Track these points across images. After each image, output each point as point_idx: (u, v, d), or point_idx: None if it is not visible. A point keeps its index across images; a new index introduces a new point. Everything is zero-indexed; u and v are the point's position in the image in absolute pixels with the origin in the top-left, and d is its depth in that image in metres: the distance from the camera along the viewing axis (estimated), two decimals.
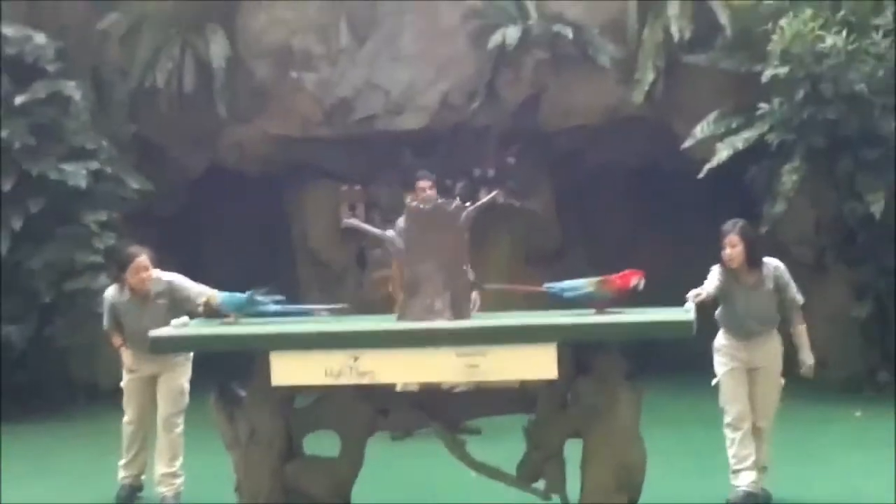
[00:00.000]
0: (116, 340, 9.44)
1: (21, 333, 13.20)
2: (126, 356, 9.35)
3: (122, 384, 9.61)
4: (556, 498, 7.81)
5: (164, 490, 9.26)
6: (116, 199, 13.85)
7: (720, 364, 8.62)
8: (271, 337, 7.72)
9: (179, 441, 9.34)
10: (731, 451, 8.59)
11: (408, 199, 8.25)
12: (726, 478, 8.73)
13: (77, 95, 13.57)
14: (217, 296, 8.17)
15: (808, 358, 8.58)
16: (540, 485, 7.85)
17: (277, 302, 8.14)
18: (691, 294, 8.11)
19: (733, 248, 8.50)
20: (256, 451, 7.91)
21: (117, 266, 9.43)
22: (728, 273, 8.55)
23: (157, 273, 9.32)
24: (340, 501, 8.31)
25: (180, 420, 9.34)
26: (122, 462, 9.63)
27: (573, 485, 7.75)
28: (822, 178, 12.58)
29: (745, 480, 8.49)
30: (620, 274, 7.81)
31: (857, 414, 11.72)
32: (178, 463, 9.31)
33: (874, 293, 12.68)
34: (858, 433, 11.01)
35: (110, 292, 9.49)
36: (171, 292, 9.26)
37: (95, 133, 13.81)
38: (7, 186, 13.06)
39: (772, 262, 8.60)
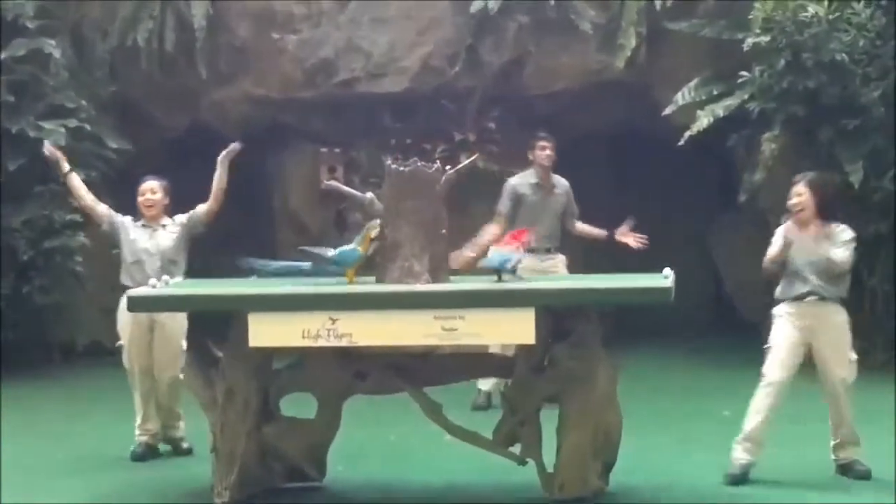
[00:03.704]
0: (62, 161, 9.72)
1: None
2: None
3: (123, 338, 9.41)
4: (531, 462, 7.84)
5: (174, 434, 9.51)
6: (95, 158, 13.81)
7: (779, 330, 8.41)
8: (249, 298, 7.72)
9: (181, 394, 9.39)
10: (749, 421, 8.36)
11: (387, 162, 8.24)
12: (705, 452, 8.78)
13: (57, 53, 13.52)
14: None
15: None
16: (516, 449, 7.89)
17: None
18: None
19: (800, 196, 8.34)
20: (233, 412, 7.92)
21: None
22: (792, 229, 8.38)
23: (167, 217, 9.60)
24: (316, 464, 8.36)
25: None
26: (137, 421, 9.55)
27: (549, 449, 7.78)
28: (802, 147, 12.57)
29: (744, 456, 8.32)
30: (513, 237, 8.14)
31: None
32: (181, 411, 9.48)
33: (851, 263, 12.69)
34: None
35: (128, 217, 9.62)
36: (182, 223, 9.55)
37: (75, 91, 13.76)
38: None
39: (842, 226, 8.47)
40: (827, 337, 8.38)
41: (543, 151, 11.15)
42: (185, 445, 9.51)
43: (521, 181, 11.09)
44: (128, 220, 9.58)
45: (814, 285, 8.35)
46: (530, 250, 10.11)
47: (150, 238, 9.43)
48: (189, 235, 9.55)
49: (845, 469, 8.45)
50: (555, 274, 10.70)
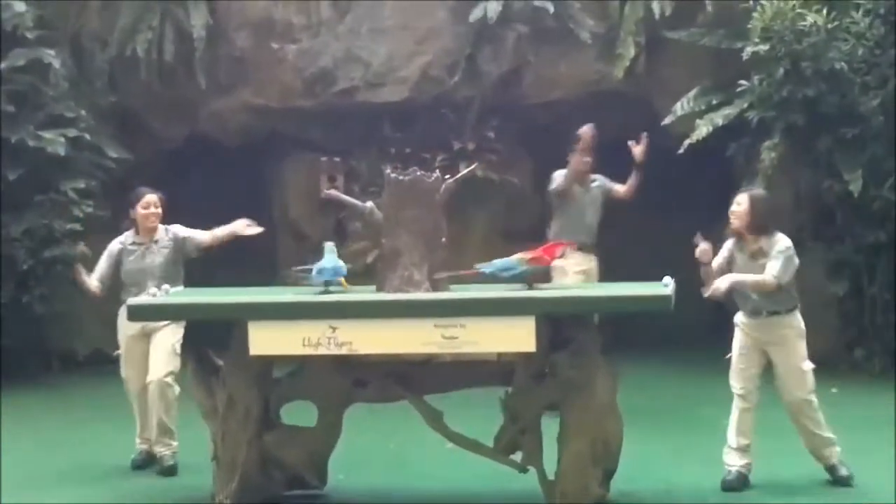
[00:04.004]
0: (82, 273, 9.36)
1: None
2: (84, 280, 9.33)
3: (121, 347, 9.47)
4: (532, 470, 7.84)
5: (161, 451, 9.28)
6: (95, 168, 13.83)
7: (735, 340, 8.52)
8: (249, 306, 7.73)
9: (174, 402, 9.26)
10: (729, 429, 8.50)
11: (387, 171, 8.25)
12: (705, 460, 8.80)
13: (56, 63, 13.52)
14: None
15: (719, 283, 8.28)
16: (517, 457, 7.89)
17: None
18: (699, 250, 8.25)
19: (738, 206, 8.36)
20: (234, 421, 7.93)
21: (129, 203, 9.54)
22: (735, 242, 8.45)
23: (161, 227, 9.51)
24: (316, 472, 8.35)
25: (173, 381, 9.23)
26: (137, 431, 9.58)
27: (550, 457, 7.78)
28: (801, 156, 12.61)
29: (736, 461, 8.42)
30: (544, 248, 8.01)
31: (833, 390, 11.76)
32: (174, 423, 9.28)
33: (851, 271, 12.74)
34: (834, 409, 11.04)
35: (118, 238, 9.55)
36: (175, 238, 9.47)
37: (74, 101, 13.76)
38: None
39: (777, 236, 8.41)
40: (779, 349, 8.42)
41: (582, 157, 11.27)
42: (169, 462, 9.26)
43: (562, 175, 11.25)
44: (117, 243, 9.51)
45: (758, 303, 8.41)
46: (578, 248, 10.77)
47: (143, 257, 9.38)
48: (181, 254, 9.52)
49: (829, 471, 8.53)
50: (591, 273, 11.05)
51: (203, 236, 9.48)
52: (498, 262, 7.96)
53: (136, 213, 9.46)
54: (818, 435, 8.48)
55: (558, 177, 11.21)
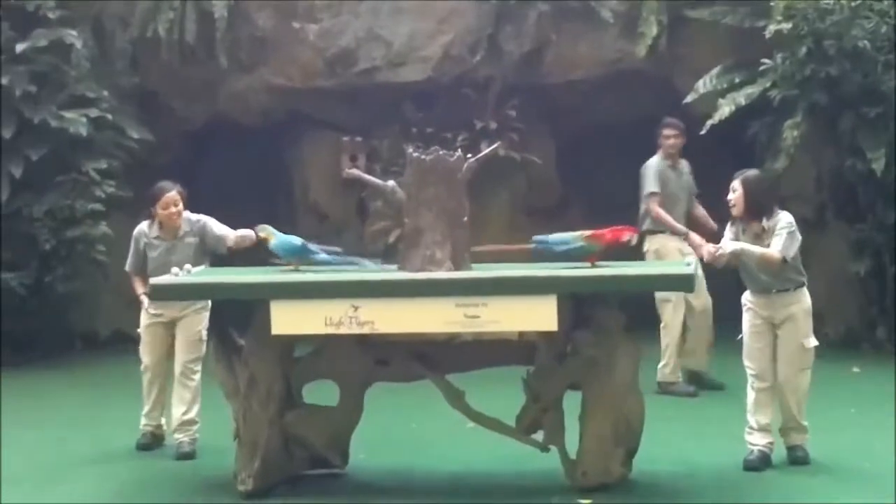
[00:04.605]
0: (138, 287, 9.29)
1: (21, 281, 13.22)
2: (146, 299, 9.23)
3: (140, 329, 9.45)
4: (554, 449, 7.85)
5: (180, 437, 9.23)
6: (116, 148, 13.84)
7: (745, 320, 8.51)
8: (272, 286, 7.73)
9: (197, 388, 9.29)
10: (748, 410, 8.51)
11: (409, 151, 8.23)
12: (728, 440, 8.81)
13: (78, 44, 13.53)
14: (270, 236, 8.30)
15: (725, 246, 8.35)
16: (538, 436, 7.90)
17: (331, 253, 8.21)
18: (706, 250, 8.21)
19: (733, 193, 8.40)
20: (255, 401, 7.94)
21: (149, 200, 9.34)
22: (738, 225, 8.46)
23: (186, 213, 9.34)
24: (338, 451, 8.37)
25: (198, 367, 9.26)
26: (143, 411, 9.54)
27: (572, 436, 7.78)
28: (824, 135, 12.57)
29: (758, 441, 8.44)
30: (612, 228, 7.87)
31: (855, 370, 11.76)
32: (195, 410, 9.26)
33: (873, 249, 12.70)
34: (856, 388, 11.04)
35: (141, 228, 9.41)
36: (202, 232, 9.29)
37: (96, 82, 13.77)
38: (7, 134, 13.08)
39: (779, 214, 8.39)
40: (785, 326, 8.40)
41: (668, 140, 11.36)
42: (186, 449, 9.17)
43: (656, 164, 11.30)
44: (142, 235, 9.38)
45: (765, 282, 8.39)
46: (678, 232, 10.88)
47: (169, 254, 9.20)
48: (208, 249, 9.35)
49: (789, 451, 8.54)
50: None
51: (232, 237, 9.22)
52: (555, 236, 7.93)
53: (156, 212, 9.28)
54: (795, 419, 8.49)
55: (651, 169, 11.23)
